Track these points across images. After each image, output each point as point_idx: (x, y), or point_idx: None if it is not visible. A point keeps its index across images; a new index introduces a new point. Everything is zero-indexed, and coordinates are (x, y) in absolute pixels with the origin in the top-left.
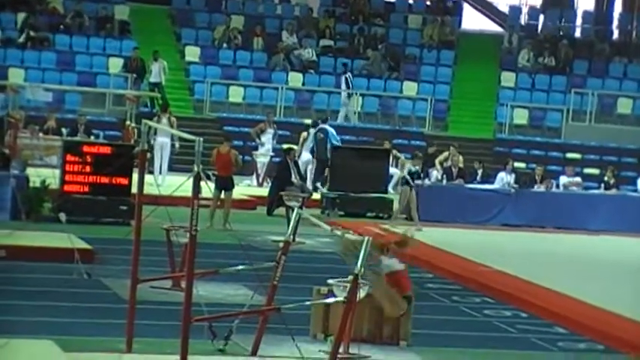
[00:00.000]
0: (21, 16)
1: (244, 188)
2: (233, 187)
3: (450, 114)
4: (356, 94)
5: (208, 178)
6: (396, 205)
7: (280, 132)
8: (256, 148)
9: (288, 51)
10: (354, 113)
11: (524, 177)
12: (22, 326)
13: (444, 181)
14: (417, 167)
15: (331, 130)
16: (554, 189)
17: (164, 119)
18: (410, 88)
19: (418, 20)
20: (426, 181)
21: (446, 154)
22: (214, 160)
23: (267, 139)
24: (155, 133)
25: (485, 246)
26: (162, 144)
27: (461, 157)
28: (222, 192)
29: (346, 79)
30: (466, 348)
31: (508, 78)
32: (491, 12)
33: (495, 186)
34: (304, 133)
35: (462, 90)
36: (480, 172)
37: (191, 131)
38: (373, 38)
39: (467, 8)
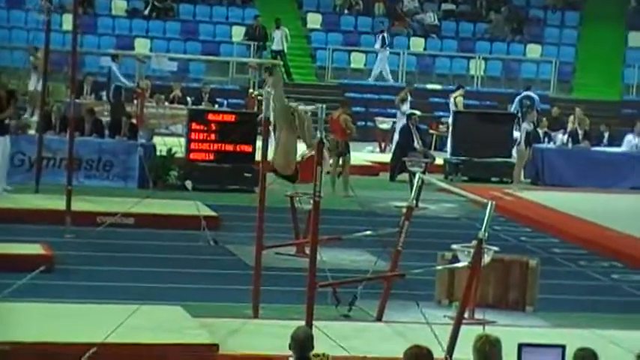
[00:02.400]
0: None
1: (367, 154)
2: (348, 152)
3: (575, 76)
4: (478, 57)
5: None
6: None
7: None
8: (378, 115)
9: (409, 16)
10: (399, 73)
11: None
12: (151, 292)
13: (570, 145)
14: (532, 127)
15: (537, 97)
16: None
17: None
18: (534, 50)
19: None
20: (551, 145)
21: (572, 117)
22: (329, 126)
23: (407, 107)
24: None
25: (612, 210)
26: None
27: (587, 120)
28: (339, 158)
29: (383, 37)
30: (594, 313)
31: (636, 38)
32: None
33: (623, 149)
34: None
35: (588, 52)
36: (606, 134)
37: (313, 98)
38: (496, 1)
39: None
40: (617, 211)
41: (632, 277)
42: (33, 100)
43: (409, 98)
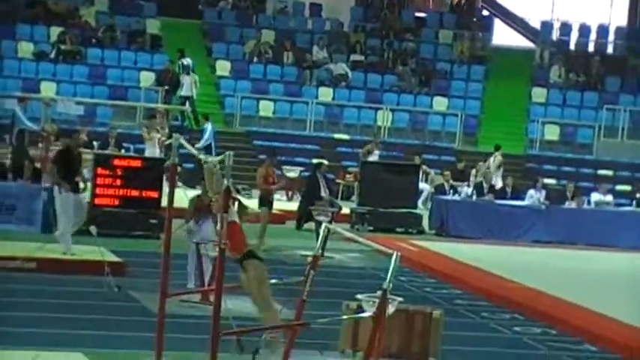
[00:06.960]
0: (54, 30)
1: (274, 203)
2: (264, 205)
3: (480, 129)
4: (386, 109)
5: (238, 192)
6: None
7: (309, 146)
8: (285, 163)
9: (318, 65)
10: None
11: (554, 193)
12: (52, 338)
13: (474, 197)
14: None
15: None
16: (585, 206)
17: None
18: (440, 103)
19: (449, 35)
20: (456, 197)
21: (474, 170)
22: None
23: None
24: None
25: (515, 262)
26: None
27: (490, 174)
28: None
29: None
30: None
31: (539, 94)
32: (523, 27)
33: (526, 202)
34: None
35: (493, 105)
36: (509, 188)
37: (221, 145)
38: (404, 53)
39: (498, 23)
40: (519, 264)
41: (533, 329)
42: None
43: (377, 151)
